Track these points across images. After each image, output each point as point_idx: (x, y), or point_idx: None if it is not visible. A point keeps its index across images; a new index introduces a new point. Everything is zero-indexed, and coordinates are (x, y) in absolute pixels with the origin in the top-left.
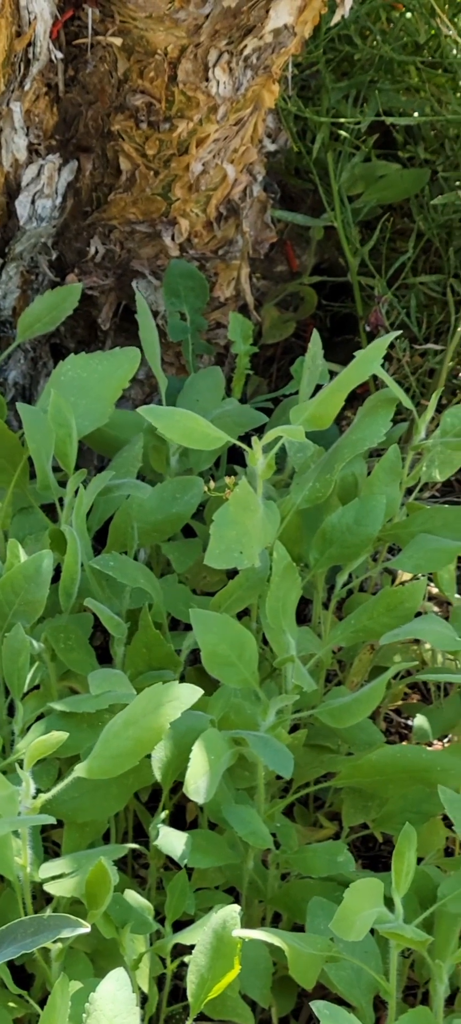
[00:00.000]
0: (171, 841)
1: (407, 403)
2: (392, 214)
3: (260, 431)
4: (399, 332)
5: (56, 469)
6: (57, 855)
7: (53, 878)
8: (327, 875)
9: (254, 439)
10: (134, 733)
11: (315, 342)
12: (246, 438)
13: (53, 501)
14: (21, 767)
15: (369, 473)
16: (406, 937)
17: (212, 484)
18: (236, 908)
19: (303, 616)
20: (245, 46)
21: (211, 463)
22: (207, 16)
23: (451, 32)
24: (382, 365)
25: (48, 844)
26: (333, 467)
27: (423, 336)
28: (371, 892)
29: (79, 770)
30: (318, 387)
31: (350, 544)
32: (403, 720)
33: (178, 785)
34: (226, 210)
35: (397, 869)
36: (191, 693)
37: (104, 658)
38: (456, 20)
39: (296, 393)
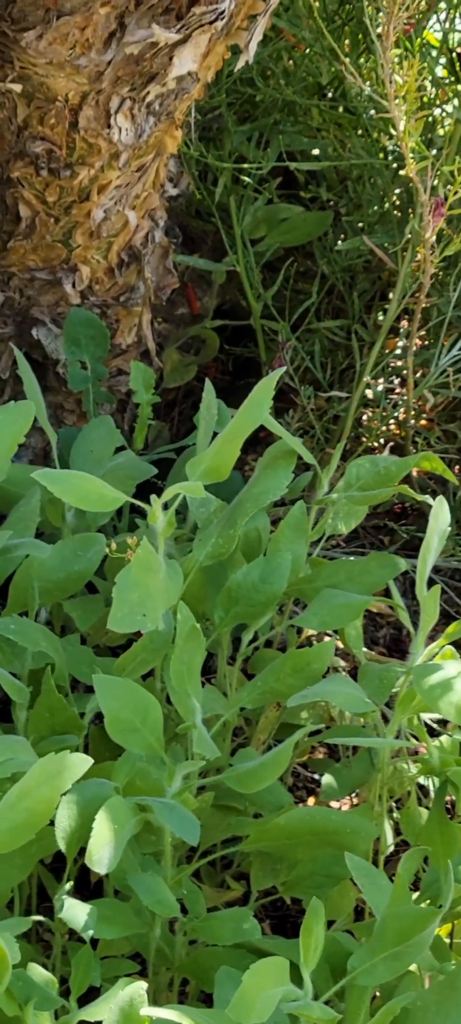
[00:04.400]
0: (75, 913)
1: (307, 457)
2: (295, 256)
3: (162, 478)
4: (283, 369)
5: None
6: None
7: None
8: (234, 942)
9: (153, 497)
10: (28, 805)
11: (208, 391)
12: (148, 488)
13: None
14: None
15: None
16: (313, 1017)
17: (114, 545)
18: (143, 985)
19: (207, 668)
20: (148, 93)
21: (109, 516)
22: (109, 63)
23: (356, 78)
24: (286, 412)
25: None
26: (236, 522)
27: (327, 382)
28: (275, 970)
29: None
30: (216, 436)
31: (255, 602)
32: (310, 774)
33: (82, 848)
34: (128, 256)
35: (305, 944)
36: (81, 762)
37: (5, 713)
38: (359, 61)
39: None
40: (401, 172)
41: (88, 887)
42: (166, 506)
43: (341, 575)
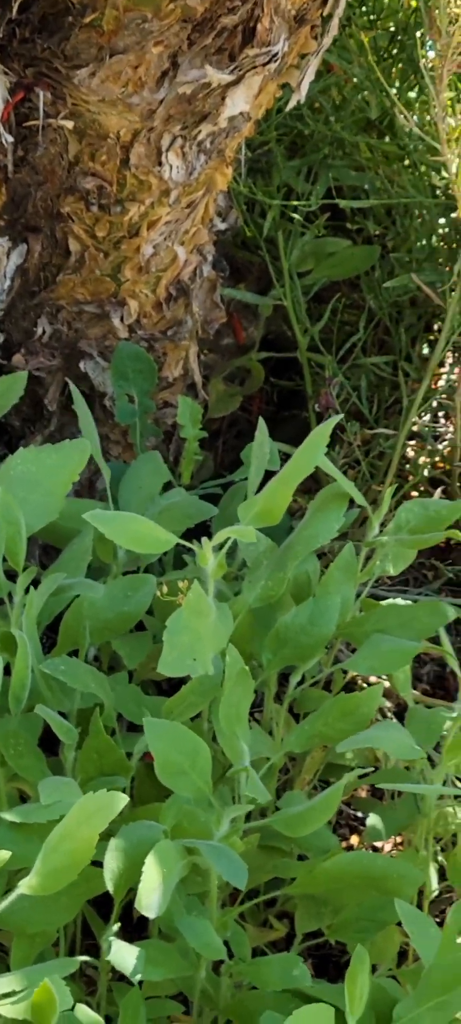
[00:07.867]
0: (124, 956)
1: (360, 500)
2: (341, 289)
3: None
4: (341, 415)
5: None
6: (5, 960)
7: (3, 995)
8: (283, 988)
9: (204, 540)
10: (69, 846)
11: (262, 429)
12: (196, 529)
13: (2, 597)
14: None
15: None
16: None
17: (166, 588)
18: None
19: (252, 704)
20: (199, 131)
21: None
22: (161, 101)
23: (406, 116)
24: (332, 448)
25: None
26: (286, 564)
27: (374, 417)
28: (320, 1017)
29: (22, 887)
30: (268, 474)
31: (304, 645)
32: (353, 812)
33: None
34: (176, 291)
35: (351, 992)
36: (117, 801)
37: (53, 744)
38: (409, 95)
39: (246, 479)
40: (454, 215)
41: (131, 923)
42: (216, 548)
43: (391, 620)
